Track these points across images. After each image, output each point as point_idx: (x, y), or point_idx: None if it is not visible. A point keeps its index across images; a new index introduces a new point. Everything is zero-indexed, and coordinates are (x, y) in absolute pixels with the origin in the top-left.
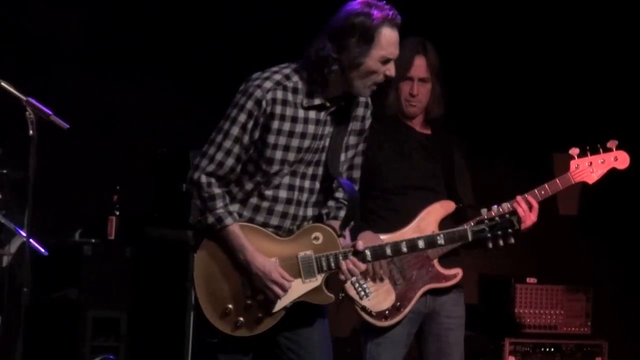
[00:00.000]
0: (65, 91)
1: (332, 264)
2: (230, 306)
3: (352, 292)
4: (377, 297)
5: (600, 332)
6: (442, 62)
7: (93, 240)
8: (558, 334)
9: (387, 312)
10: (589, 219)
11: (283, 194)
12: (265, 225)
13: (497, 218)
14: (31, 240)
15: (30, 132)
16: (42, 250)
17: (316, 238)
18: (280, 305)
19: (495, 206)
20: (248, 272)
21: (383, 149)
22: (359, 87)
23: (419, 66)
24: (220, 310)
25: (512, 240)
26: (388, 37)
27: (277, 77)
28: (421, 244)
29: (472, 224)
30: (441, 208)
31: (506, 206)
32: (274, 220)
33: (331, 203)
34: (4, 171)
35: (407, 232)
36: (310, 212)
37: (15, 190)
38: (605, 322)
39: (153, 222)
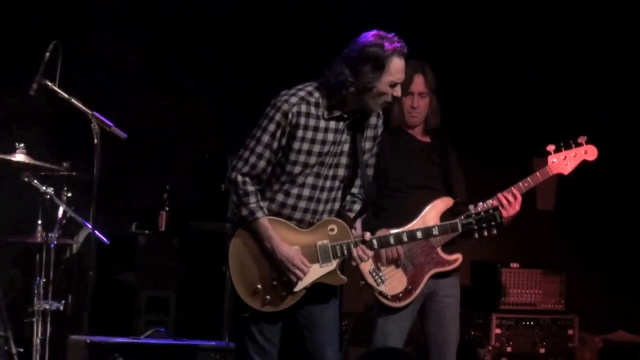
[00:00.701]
0: (124, 106)
1: (345, 251)
2: (259, 286)
3: (371, 280)
4: (392, 282)
5: (572, 308)
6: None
7: (147, 232)
8: (536, 310)
9: (400, 294)
10: (563, 214)
11: (306, 192)
12: (289, 218)
13: (482, 213)
14: (96, 231)
15: (95, 140)
16: (105, 240)
17: (332, 229)
18: (301, 285)
19: (481, 203)
20: (274, 258)
21: (389, 154)
22: (371, 106)
23: (418, 83)
24: (251, 290)
25: (495, 232)
26: (397, 66)
27: (302, 93)
28: (419, 234)
29: (462, 218)
30: (442, 203)
31: (489, 203)
32: (298, 215)
33: (348, 198)
34: (74, 173)
35: (414, 226)
36: (328, 207)
37: (82, 189)
38: (576, 300)
39: (197, 216)
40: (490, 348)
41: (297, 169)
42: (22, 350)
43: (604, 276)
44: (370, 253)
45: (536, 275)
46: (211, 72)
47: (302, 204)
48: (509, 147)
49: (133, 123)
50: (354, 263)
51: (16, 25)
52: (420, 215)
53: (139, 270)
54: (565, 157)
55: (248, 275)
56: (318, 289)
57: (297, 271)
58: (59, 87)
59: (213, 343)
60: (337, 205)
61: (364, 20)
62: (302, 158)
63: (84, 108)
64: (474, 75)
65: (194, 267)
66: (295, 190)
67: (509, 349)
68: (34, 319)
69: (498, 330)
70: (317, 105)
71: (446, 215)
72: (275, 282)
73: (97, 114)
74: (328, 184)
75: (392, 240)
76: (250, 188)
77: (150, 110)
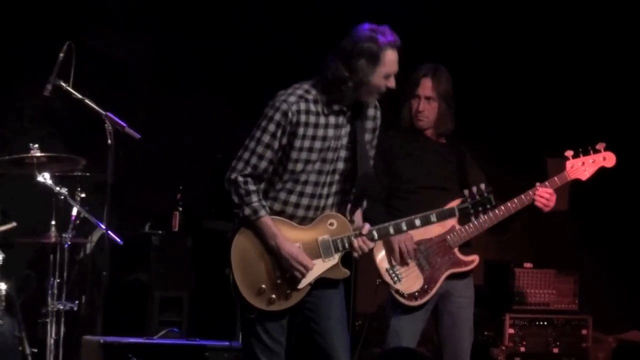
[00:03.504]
0: (137, 106)
1: (346, 244)
2: (263, 286)
3: (387, 278)
4: (408, 281)
5: (586, 308)
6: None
7: (160, 232)
8: (550, 310)
9: (416, 293)
10: (576, 214)
11: (309, 189)
12: (292, 216)
13: (477, 197)
14: (109, 231)
15: (109, 141)
16: (118, 240)
17: (331, 224)
18: (305, 282)
19: (474, 187)
20: (278, 256)
21: (401, 155)
22: (366, 98)
23: (425, 87)
24: (256, 290)
25: (490, 214)
26: (390, 58)
27: (299, 92)
28: (417, 222)
29: (458, 202)
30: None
31: (483, 186)
32: (300, 212)
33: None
34: (87, 174)
35: (432, 226)
36: (330, 201)
37: (96, 190)
38: (589, 300)
39: (210, 216)
40: (503, 348)
41: (299, 167)
42: (36, 350)
43: (618, 276)
44: (371, 244)
45: (550, 275)
46: (224, 71)
47: (305, 201)
48: (522, 148)
49: (146, 123)
50: (355, 255)
51: (30, 26)
52: None
53: (153, 270)
54: (584, 162)
55: (251, 275)
56: (322, 281)
57: (301, 268)
58: (72, 88)
59: (226, 343)
60: (337, 199)
61: (381, 21)
62: (303, 155)
63: (97, 108)
64: (487, 75)
65: (207, 267)
66: (298, 188)
67: (522, 349)
68: (47, 320)
69: (511, 330)
70: (315, 102)
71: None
72: (279, 281)
73: (110, 115)
74: (329, 179)
75: (391, 230)
76: (252, 187)
77: (164, 111)
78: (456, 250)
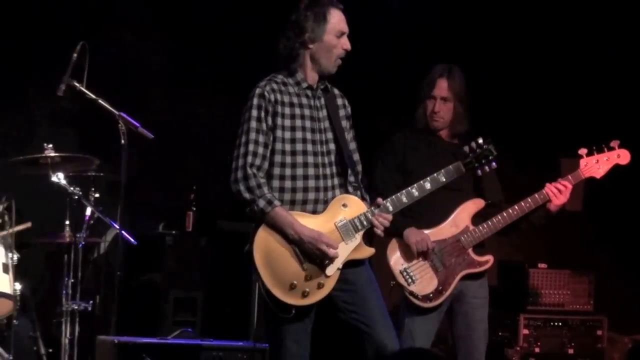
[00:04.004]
0: (151, 106)
1: (365, 222)
2: (294, 281)
3: (401, 280)
4: (422, 282)
5: (601, 309)
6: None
7: (174, 232)
8: (565, 310)
9: (431, 295)
10: (591, 214)
11: (311, 171)
12: (305, 202)
13: (477, 150)
14: (123, 231)
15: (122, 141)
16: (132, 240)
17: (344, 205)
18: (333, 267)
19: (473, 142)
20: (300, 243)
21: (415, 155)
22: (326, 64)
23: (441, 87)
24: (287, 286)
25: (494, 165)
26: (337, 16)
27: (267, 78)
28: (427, 185)
29: (462, 158)
30: (473, 205)
31: (480, 140)
32: (311, 195)
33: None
34: (101, 174)
35: (445, 227)
36: (336, 180)
37: (109, 190)
38: (604, 300)
39: (224, 216)
40: (518, 349)
41: (288, 147)
42: (50, 350)
43: (633, 276)
44: (389, 217)
45: (564, 275)
46: (237, 71)
47: (312, 183)
48: (536, 148)
49: (160, 123)
50: (377, 231)
51: (44, 26)
52: (451, 217)
53: (166, 270)
54: (598, 160)
55: (280, 274)
56: (348, 264)
57: (327, 248)
58: (86, 88)
59: (240, 343)
60: (342, 180)
61: (399, 21)
62: (287, 134)
63: (111, 109)
64: (501, 76)
65: (221, 267)
66: (300, 172)
67: (537, 350)
68: (62, 319)
69: (526, 331)
70: (284, 83)
71: (477, 216)
72: (307, 273)
73: (124, 115)
74: (326, 159)
75: (404, 199)
76: (262, 180)
77: (177, 111)
78: (470, 250)
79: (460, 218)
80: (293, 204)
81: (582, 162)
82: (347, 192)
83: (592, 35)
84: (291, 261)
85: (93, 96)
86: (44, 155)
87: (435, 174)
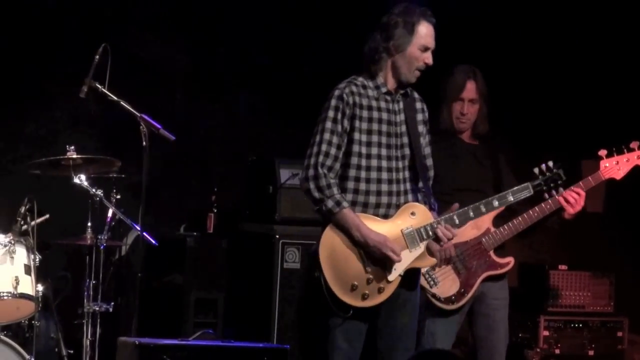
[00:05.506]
0: (172, 108)
1: (430, 232)
2: (356, 282)
3: (424, 282)
4: (444, 285)
5: (622, 310)
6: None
7: (195, 234)
8: (585, 312)
9: (453, 297)
10: (612, 216)
11: (384, 175)
12: (377, 205)
13: (547, 173)
14: (144, 233)
15: (144, 143)
16: (153, 241)
17: (413, 214)
18: (395, 273)
19: (543, 165)
20: (365, 246)
21: (437, 157)
22: (406, 74)
23: (470, 89)
24: (349, 287)
25: (562, 191)
26: (426, 29)
27: (347, 80)
28: (495, 203)
29: (532, 180)
30: None
31: (551, 163)
32: (384, 199)
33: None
34: (123, 176)
35: (467, 229)
36: (409, 185)
37: (131, 191)
38: (625, 302)
39: (245, 218)
40: (538, 350)
41: (364, 150)
42: (72, 351)
43: None
44: (455, 231)
45: (585, 277)
46: (259, 73)
47: (385, 187)
48: (556, 150)
49: (181, 125)
50: (441, 244)
51: (66, 28)
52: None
53: (188, 272)
54: (618, 162)
55: (343, 274)
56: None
57: (391, 253)
58: (108, 90)
59: (261, 345)
60: (414, 185)
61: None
62: (364, 137)
63: (132, 110)
64: (521, 77)
65: (243, 269)
66: (374, 175)
67: (557, 351)
68: (83, 321)
69: (546, 333)
70: (364, 87)
71: (498, 218)
72: (370, 276)
73: (145, 116)
74: (400, 164)
75: (471, 214)
76: (332, 180)
77: (198, 112)
78: (492, 252)
79: (482, 220)
80: (366, 207)
81: (602, 163)
82: (417, 198)
83: (613, 37)
84: (355, 262)
85: (115, 98)
86: (66, 157)
87: (503, 192)
